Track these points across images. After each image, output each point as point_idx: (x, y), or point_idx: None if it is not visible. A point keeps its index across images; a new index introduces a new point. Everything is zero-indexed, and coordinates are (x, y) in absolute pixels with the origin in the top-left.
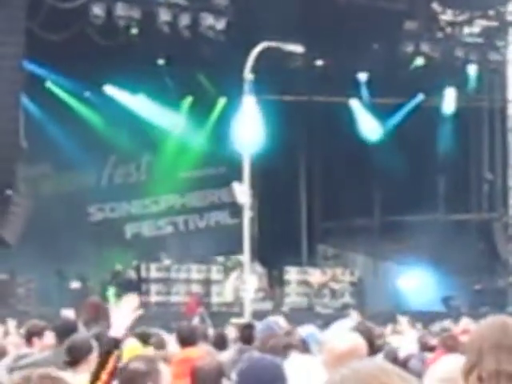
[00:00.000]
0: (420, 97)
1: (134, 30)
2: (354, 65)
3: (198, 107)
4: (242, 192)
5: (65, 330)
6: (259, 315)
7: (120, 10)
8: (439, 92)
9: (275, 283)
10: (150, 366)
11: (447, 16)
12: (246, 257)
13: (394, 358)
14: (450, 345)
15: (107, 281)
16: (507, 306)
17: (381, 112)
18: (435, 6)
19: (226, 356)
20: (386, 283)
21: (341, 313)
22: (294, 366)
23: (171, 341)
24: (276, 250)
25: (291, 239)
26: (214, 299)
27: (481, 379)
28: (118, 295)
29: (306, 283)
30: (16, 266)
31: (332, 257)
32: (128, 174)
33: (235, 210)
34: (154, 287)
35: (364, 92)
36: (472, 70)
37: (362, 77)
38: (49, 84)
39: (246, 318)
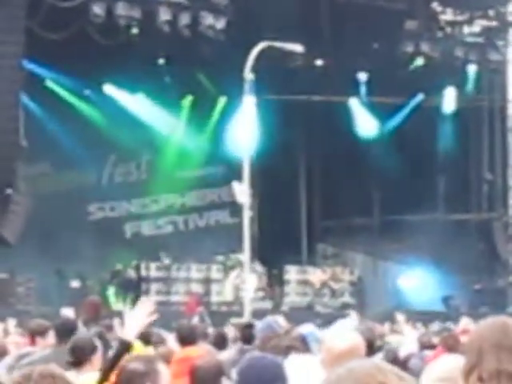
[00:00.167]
0: (420, 96)
1: (134, 29)
2: (353, 64)
3: (198, 107)
4: (242, 191)
5: (65, 330)
6: (259, 314)
7: (120, 9)
8: (439, 92)
9: (275, 282)
10: (148, 367)
11: (447, 16)
12: (245, 256)
13: (393, 358)
14: (451, 344)
15: (107, 280)
16: (507, 306)
17: (381, 112)
18: (435, 5)
19: (225, 355)
20: (386, 282)
21: (340, 312)
22: (294, 365)
23: (171, 340)
24: (276, 249)
25: (291, 238)
26: (214, 298)
27: (481, 379)
28: (118, 294)
29: (305, 282)
30: (16, 265)
31: (331, 256)
32: (128, 173)
33: (235, 209)
34: (153, 286)
35: (364, 92)
36: (472, 69)
37: (362, 76)
38: (49, 83)
39: (245, 318)
